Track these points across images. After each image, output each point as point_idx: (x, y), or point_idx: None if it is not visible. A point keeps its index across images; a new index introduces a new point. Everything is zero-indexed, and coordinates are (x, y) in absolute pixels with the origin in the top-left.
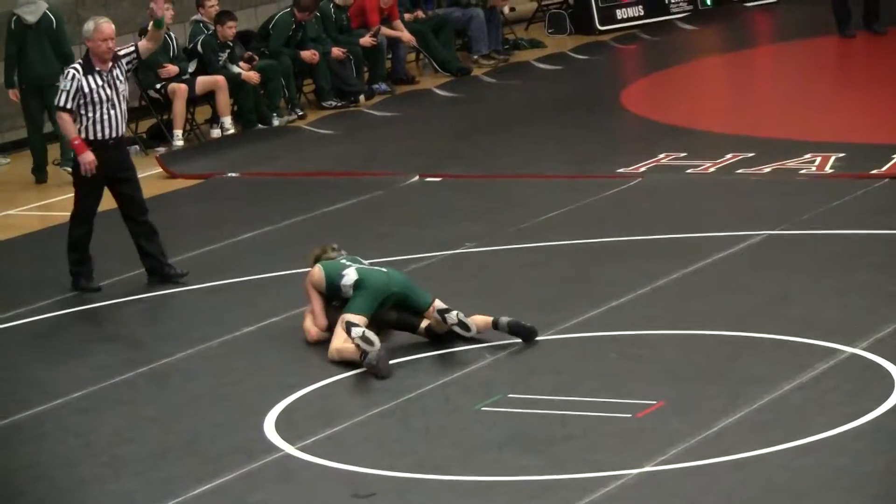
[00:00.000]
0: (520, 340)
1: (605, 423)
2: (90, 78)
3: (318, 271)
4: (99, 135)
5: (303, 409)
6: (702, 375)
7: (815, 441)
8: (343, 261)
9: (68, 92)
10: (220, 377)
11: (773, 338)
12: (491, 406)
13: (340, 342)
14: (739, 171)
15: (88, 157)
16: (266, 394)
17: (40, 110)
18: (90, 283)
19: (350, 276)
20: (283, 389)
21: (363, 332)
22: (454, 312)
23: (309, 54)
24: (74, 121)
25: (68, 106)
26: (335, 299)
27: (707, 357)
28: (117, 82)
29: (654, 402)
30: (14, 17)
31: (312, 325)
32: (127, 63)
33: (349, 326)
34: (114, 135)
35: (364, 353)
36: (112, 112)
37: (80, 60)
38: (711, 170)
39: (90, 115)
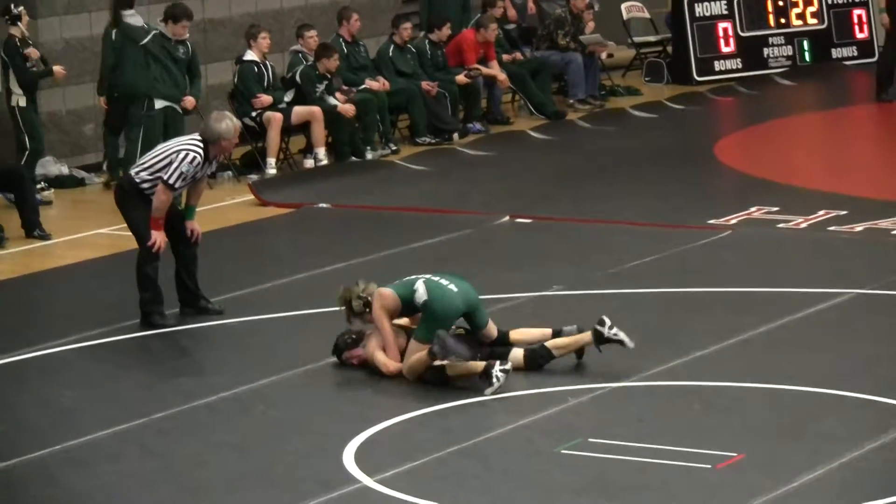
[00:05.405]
0: (604, 384)
1: (685, 473)
2: (204, 167)
3: (390, 295)
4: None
5: (383, 441)
6: (784, 430)
7: (895, 503)
8: (406, 278)
9: (184, 176)
10: (302, 406)
11: (857, 396)
12: (571, 449)
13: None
14: (831, 228)
15: (163, 237)
16: (346, 425)
17: (125, 119)
18: (165, 319)
19: (420, 293)
20: (363, 421)
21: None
22: (611, 326)
23: (378, 84)
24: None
25: (177, 186)
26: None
27: (790, 412)
28: (209, 169)
29: (735, 455)
30: (115, 29)
31: (388, 360)
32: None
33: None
34: (179, 200)
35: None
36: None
37: (200, 144)
38: (803, 226)
39: (177, 188)
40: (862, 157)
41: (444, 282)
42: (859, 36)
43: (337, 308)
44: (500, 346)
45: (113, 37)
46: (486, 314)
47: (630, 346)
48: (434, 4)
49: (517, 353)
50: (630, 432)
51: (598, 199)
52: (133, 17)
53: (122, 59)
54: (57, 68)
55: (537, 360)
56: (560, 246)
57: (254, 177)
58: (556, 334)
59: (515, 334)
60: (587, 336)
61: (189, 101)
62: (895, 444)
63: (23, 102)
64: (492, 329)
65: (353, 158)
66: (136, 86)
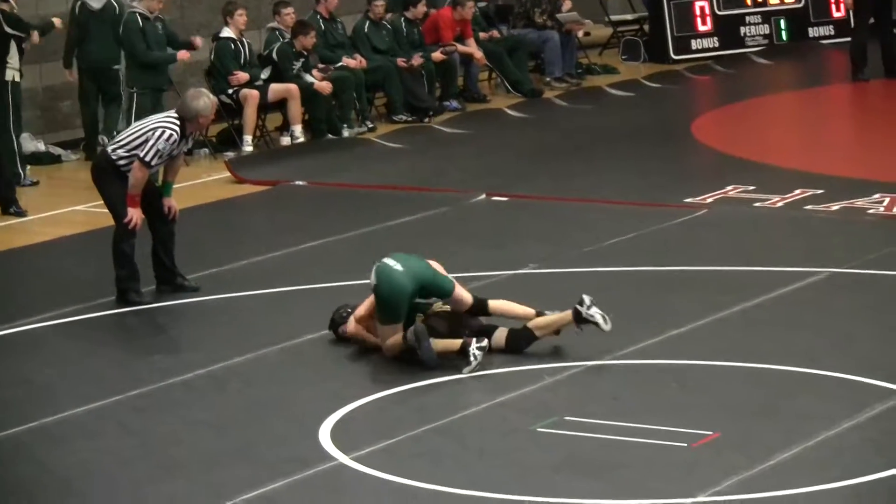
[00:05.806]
0: (580, 362)
1: (660, 451)
2: (181, 144)
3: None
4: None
5: (359, 419)
6: (760, 409)
7: (871, 481)
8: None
9: (161, 154)
10: (278, 384)
11: (833, 375)
12: (547, 428)
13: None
14: (807, 207)
15: (139, 214)
16: (323, 403)
17: (95, 94)
18: (141, 297)
19: (372, 278)
20: (340, 399)
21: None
22: (589, 306)
23: (356, 63)
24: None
25: (153, 164)
26: None
27: (766, 391)
28: (185, 146)
29: (711, 433)
30: (79, 3)
31: (353, 321)
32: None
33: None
34: (156, 177)
35: (405, 338)
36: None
37: (177, 121)
38: (779, 205)
39: (153, 166)
40: (838, 137)
41: (391, 262)
42: (836, 15)
43: (310, 286)
44: (482, 316)
45: (77, 11)
46: (447, 282)
47: (606, 329)
48: None
49: (500, 335)
50: (606, 411)
51: (575, 177)
52: None
53: (86, 33)
54: (55, 19)
55: (520, 342)
56: (536, 224)
57: (230, 154)
58: (539, 316)
59: (495, 304)
60: (568, 315)
61: (184, 54)
62: (871, 422)
63: (18, 78)
64: (463, 297)
65: (330, 136)
66: (102, 60)
